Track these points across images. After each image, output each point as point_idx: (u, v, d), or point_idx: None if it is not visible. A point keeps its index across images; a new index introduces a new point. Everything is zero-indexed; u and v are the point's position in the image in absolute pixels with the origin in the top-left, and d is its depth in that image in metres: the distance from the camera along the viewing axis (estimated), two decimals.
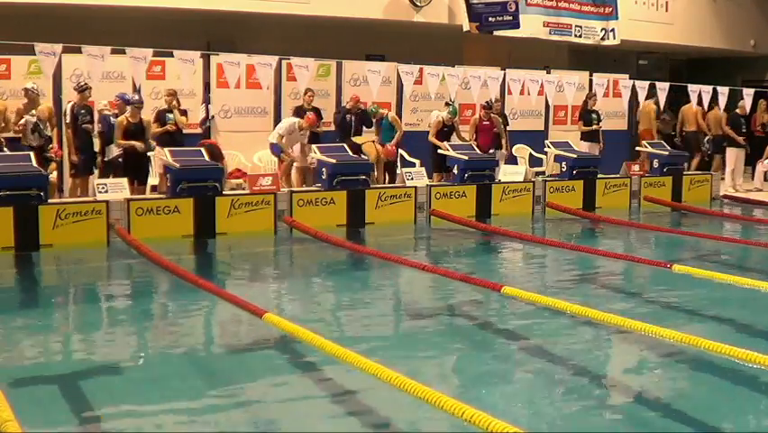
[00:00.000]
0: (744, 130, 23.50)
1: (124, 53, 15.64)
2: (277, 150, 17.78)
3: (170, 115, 16.83)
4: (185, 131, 17.31)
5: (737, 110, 23.22)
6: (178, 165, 15.39)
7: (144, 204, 14.89)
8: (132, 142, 15.81)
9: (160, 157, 16.06)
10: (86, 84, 16.13)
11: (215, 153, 16.63)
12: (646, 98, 21.92)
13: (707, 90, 21.75)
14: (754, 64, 29.31)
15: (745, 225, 18.95)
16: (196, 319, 10.98)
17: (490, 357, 9.32)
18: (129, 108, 16.00)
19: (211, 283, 11.48)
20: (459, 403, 6.21)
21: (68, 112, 16.32)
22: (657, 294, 12.02)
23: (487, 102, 19.75)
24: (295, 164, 18.10)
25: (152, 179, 16.91)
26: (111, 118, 16.35)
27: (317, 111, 18.51)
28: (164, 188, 15.96)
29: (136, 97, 16.12)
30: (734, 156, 23.34)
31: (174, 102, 17.07)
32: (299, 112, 18.40)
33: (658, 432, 7.17)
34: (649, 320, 9.29)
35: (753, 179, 23.70)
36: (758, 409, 7.76)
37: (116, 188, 14.99)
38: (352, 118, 18.60)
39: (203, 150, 16.31)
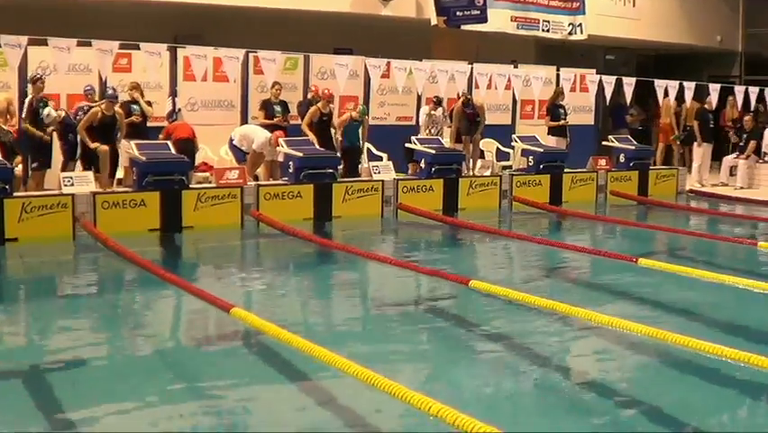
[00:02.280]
0: (711, 125, 23.62)
1: (90, 46, 15.55)
2: (240, 156, 17.62)
3: (135, 107, 16.75)
4: (150, 123, 17.20)
5: (705, 105, 23.33)
6: (144, 158, 15.32)
7: (110, 197, 14.81)
8: (95, 145, 15.64)
9: (127, 150, 15.97)
10: (38, 75, 15.95)
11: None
12: (613, 94, 21.93)
13: (673, 85, 21.86)
14: (720, 59, 29.46)
15: (710, 219, 19.06)
16: (162, 314, 10.94)
17: (458, 351, 9.33)
18: (105, 101, 15.89)
19: (177, 277, 11.43)
20: (425, 397, 6.22)
21: (26, 105, 16.11)
22: (623, 288, 12.06)
23: (464, 93, 19.78)
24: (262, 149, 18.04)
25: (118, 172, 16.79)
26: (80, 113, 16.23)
27: (284, 104, 18.49)
28: (130, 182, 15.87)
29: (110, 92, 15.99)
30: (701, 151, 23.46)
31: (137, 94, 16.95)
32: (267, 105, 18.35)
33: (622, 423, 7.20)
34: (614, 313, 9.38)
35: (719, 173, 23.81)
36: (720, 400, 7.81)
37: (82, 182, 14.90)
38: None
39: (169, 143, 16.24)
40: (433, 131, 20.07)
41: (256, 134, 17.53)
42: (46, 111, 15.32)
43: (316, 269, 13.75)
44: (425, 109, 20.18)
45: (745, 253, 14.71)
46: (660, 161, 24.44)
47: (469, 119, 19.96)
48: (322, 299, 11.98)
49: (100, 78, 16.85)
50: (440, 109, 20.22)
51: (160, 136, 17.08)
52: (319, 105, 18.30)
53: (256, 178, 17.53)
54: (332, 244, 14.94)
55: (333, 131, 18.66)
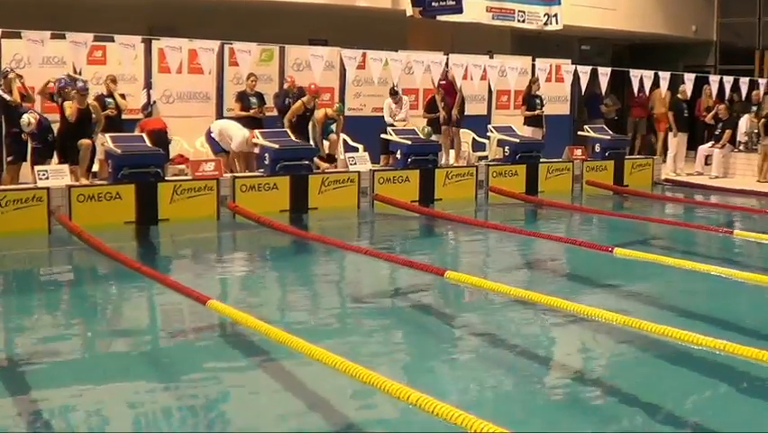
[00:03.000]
0: (685, 114, 23.69)
1: (64, 38, 15.47)
2: (216, 148, 17.56)
3: (110, 100, 16.67)
4: (124, 116, 17.14)
5: (678, 95, 23.41)
6: (119, 151, 15.27)
7: (85, 190, 14.76)
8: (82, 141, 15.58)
9: (102, 143, 15.90)
10: (7, 70, 15.81)
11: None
12: (588, 84, 21.94)
13: (648, 75, 21.90)
14: (695, 49, 29.54)
15: (686, 208, 19.14)
16: (138, 307, 10.91)
17: (434, 341, 9.34)
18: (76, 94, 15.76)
19: (153, 270, 11.40)
20: (404, 387, 6.22)
21: None
22: (598, 277, 12.09)
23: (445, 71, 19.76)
24: (238, 149, 18.00)
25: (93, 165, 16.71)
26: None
27: (260, 95, 18.45)
28: (105, 175, 15.80)
29: (81, 84, 15.91)
30: (675, 140, 23.54)
31: (113, 86, 16.88)
32: (243, 97, 18.31)
33: (599, 412, 7.22)
34: (590, 303, 9.39)
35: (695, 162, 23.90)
36: (697, 387, 7.85)
37: (57, 175, 14.83)
38: (291, 101, 18.49)
39: (144, 135, 16.19)
40: (398, 117, 20.02)
41: (235, 133, 17.49)
42: (25, 120, 15.18)
43: (293, 260, 13.73)
44: (388, 101, 20.13)
45: (720, 241, 14.77)
46: (660, 151, 24.58)
47: (448, 93, 19.85)
48: (298, 291, 11.98)
49: (74, 71, 16.74)
50: (403, 99, 20.15)
51: (136, 131, 17.04)
52: (304, 99, 18.23)
53: (232, 170, 17.49)
54: (308, 235, 14.93)
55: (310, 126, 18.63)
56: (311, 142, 18.28)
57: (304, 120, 18.35)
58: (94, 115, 15.87)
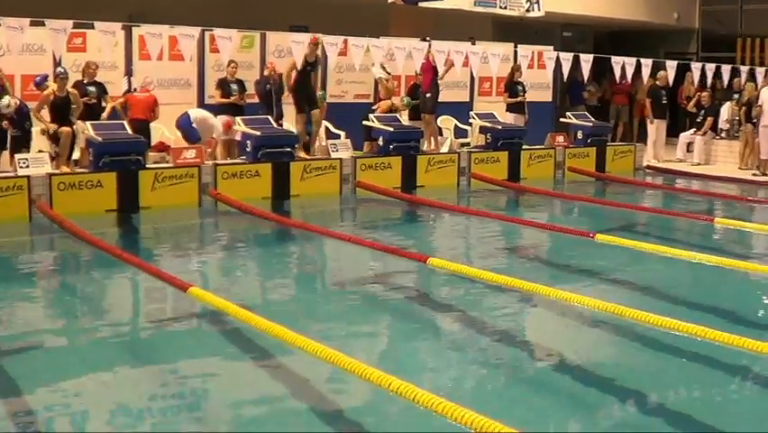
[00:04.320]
0: (664, 101, 23.71)
1: (44, 25, 15.38)
2: (194, 136, 17.48)
3: (91, 89, 16.56)
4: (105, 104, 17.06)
5: (657, 81, 23.42)
6: (100, 139, 15.21)
7: (66, 179, 14.70)
8: (53, 126, 15.45)
9: (82, 131, 15.82)
10: None
11: None
12: (570, 71, 21.91)
13: (630, 62, 21.90)
14: (676, 36, 29.57)
15: (667, 195, 19.18)
16: (120, 294, 10.88)
17: (417, 328, 9.36)
18: (57, 81, 15.67)
19: (135, 258, 11.37)
20: (384, 374, 6.23)
21: None
22: (580, 263, 12.11)
23: (429, 49, 19.66)
24: (219, 137, 17.95)
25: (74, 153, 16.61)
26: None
27: (241, 83, 18.38)
28: (86, 163, 15.74)
29: (60, 69, 15.81)
30: (655, 127, 23.58)
31: (95, 73, 16.78)
32: (223, 84, 18.25)
33: (580, 397, 7.24)
34: (572, 289, 9.42)
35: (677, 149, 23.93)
36: (677, 374, 7.87)
37: (38, 163, 14.77)
38: (271, 87, 18.41)
39: (125, 123, 16.15)
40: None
41: (214, 123, 17.47)
42: (5, 101, 15.07)
43: (275, 247, 13.73)
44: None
45: (701, 228, 14.81)
46: (637, 137, 24.64)
47: (426, 71, 19.73)
48: (280, 278, 11.96)
49: (54, 58, 16.65)
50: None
51: (120, 101, 17.13)
52: (306, 52, 17.94)
53: (214, 157, 17.45)
54: (290, 222, 14.91)
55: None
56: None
57: (306, 76, 18.21)
58: (74, 105, 15.76)
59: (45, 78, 15.87)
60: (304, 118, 17.92)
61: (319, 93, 18.94)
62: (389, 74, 19.84)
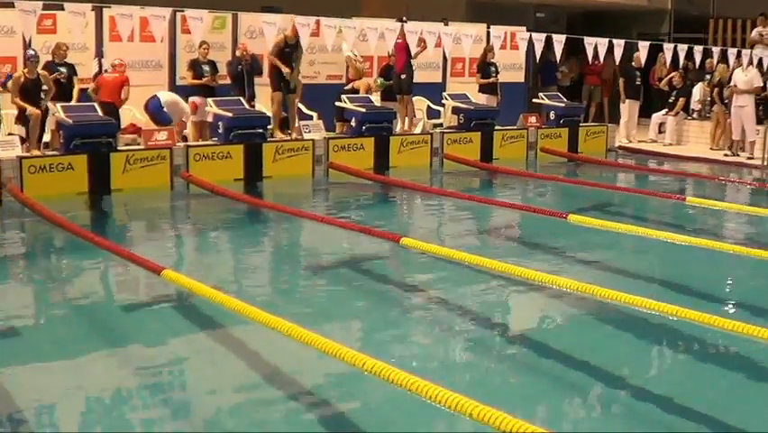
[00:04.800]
0: (638, 82, 23.74)
1: (13, 7, 15.24)
2: (164, 118, 17.41)
3: (62, 69, 16.43)
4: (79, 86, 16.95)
5: (632, 62, 23.43)
6: (71, 121, 15.12)
7: (37, 161, 14.60)
8: (28, 108, 15.32)
9: (53, 113, 15.71)
10: None
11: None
12: (543, 52, 21.89)
13: (603, 43, 21.89)
14: (649, 18, 29.59)
15: (640, 175, 19.24)
16: (92, 278, 10.83)
17: (389, 308, 9.36)
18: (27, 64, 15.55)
19: (107, 241, 11.32)
20: (359, 354, 6.22)
21: None
22: (553, 244, 12.14)
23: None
24: (191, 119, 17.87)
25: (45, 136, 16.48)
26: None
27: (213, 63, 18.27)
28: (57, 145, 15.64)
29: (30, 52, 15.69)
30: (627, 108, 23.62)
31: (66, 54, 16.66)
32: (195, 65, 18.15)
33: (553, 377, 7.25)
34: (545, 269, 9.45)
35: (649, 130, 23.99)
36: (651, 353, 7.92)
37: (8, 146, 14.68)
38: (243, 68, 18.32)
39: (96, 105, 16.06)
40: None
41: (184, 106, 17.47)
42: None
43: (248, 229, 13.70)
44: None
45: (673, 208, 14.87)
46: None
47: (400, 51, 19.65)
48: (254, 260, 11.94)
49: (24, 40, 16.52)
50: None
51: (91, 86, 17.03)
52: (287, 32, 17.87)
53: (185, 139, 17.39)
54: (263, 203, 14.88)
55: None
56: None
57: (285, 58, 17.92)
58: (45, 87, 15.62)
59: (9, 77, 15.75)
60: (279, 97, 17.83)
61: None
62: (356, 55, 19.78)
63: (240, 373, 7.34)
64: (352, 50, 19.65)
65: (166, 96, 17.61)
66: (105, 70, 17.50)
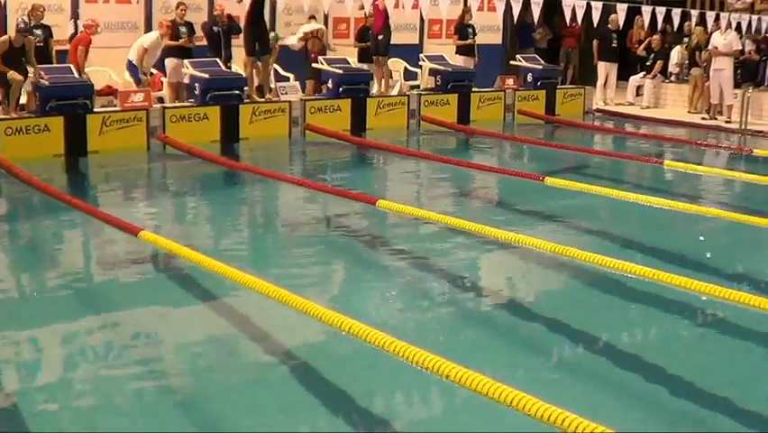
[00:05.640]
0: (614, 45, 23.69)
1: None
2: (135, 73, 17.38)
3: (38, 32, 16.29)
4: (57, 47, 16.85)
5: (609, 24, 23.39)
6: (47, 83, 15.03)
7: (13, 123, 14.51)
8: (9, 72, 15.19)
9: (33, 74, 15.58)
10: None
11: None
12: (520, 13, 21.83)
13: (581, 5, 21.85)
14: None
15: (617, 138, 19.29)
16: (69, 240, 10.82)
17: (367, 270, 9.40)
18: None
19: (84, 203, 11.30)
20: (337, 314, 6.23)
21: None
22: (530, 206, 12.15)
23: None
24: (167, 80, 17.79)
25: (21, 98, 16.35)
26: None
27: (190, 25, 18.14)
28: (33, 107, 15.55)
29: (22, 26, 15.49)
30: (604, 69, 23.58)
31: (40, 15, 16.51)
32: (171, 27, 18.02)
33: (529, 340, 7.29)
34: (522, 231, 9.47)
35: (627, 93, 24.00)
36: (627, 316, 7.95)
37: None
38: (220, 30, 18.21)
39: (72, 67, 15.97)
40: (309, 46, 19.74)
41: (144, 40, 17.51)
42: None
43: (224, 191, 13.68)
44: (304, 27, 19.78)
45: (651, 171, 14.92)
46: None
47: (378, 14, 19.56)
48: (231, 221, 11.93)
49: (1, 4, 16.40)
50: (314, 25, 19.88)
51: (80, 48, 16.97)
52: None
53: (161, 100, 17.33)
54: (239, 165, 14.85)
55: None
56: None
57: (258, 15, 17.65)
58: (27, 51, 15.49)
59: None
60: (252, 62, 17.75)
61: (272, 34, 18.75)
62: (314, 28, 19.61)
63: (217, 333, 7.35)
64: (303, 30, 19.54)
65: (130, 52, 17.56)
66: (81, 32, 17.39)
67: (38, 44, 16.02)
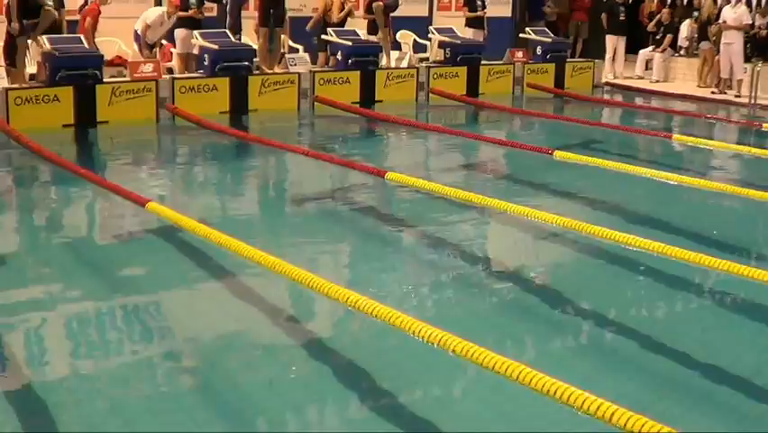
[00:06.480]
0: (622, 17, 23.59)
1: None
2: (140, 43, 17.42)
3: (49, 1, 16.26)
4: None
5: None
6: (57, 53, 15.03)
7: (23, 93, 14.53)
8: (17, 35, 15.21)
9: (40, 45, 15.59)
10: None
11: None
12: None
13: None
14: None
15: (626, 112, 19.25)
16: (77, 210, 10.86)
17: (375, 243, 9.40)
18: None
19: (92, 173, 11.33)
20: (344, 289, 6.25)
21: None
22: (539, 179, 12.16)
23: None
24: (176, 51, 17.78)
25: (31, 68, 16.39)
26: None
27: (199, 17, 18.02)
28: (43, 77, 15.55)
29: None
30: (612, 43, 23.50)
31: None
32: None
33: (539, 313, 7.31)
34: (531, 205, 9.48)
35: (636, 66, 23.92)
36: (637, 290, 7.96)
37: None
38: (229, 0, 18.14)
39: (82, 37, 15.96)
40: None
41: (148, 14, 17.52)
42: None
43: (233, 162, 13.68)
44: None
45: (660, 145, 14.90)
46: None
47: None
48: (239, 193, 11.96)
49: None
50: None
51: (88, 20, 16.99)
52: None
53: (171, 71, 17.32)
54: (248, 136, 14.86)
55: None
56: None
57: None
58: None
59: None
60: (265, 32, 17.74)
61: None
62: None
63: (222, 304, 7.39)
64: None
65: (137, 24, 17.56)
66: (91, 2, 17.36)
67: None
